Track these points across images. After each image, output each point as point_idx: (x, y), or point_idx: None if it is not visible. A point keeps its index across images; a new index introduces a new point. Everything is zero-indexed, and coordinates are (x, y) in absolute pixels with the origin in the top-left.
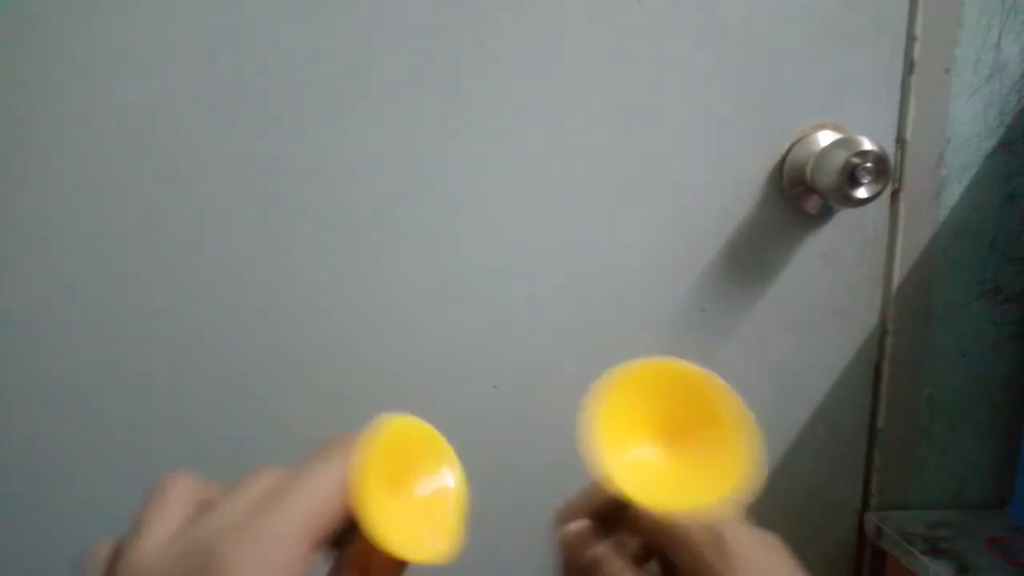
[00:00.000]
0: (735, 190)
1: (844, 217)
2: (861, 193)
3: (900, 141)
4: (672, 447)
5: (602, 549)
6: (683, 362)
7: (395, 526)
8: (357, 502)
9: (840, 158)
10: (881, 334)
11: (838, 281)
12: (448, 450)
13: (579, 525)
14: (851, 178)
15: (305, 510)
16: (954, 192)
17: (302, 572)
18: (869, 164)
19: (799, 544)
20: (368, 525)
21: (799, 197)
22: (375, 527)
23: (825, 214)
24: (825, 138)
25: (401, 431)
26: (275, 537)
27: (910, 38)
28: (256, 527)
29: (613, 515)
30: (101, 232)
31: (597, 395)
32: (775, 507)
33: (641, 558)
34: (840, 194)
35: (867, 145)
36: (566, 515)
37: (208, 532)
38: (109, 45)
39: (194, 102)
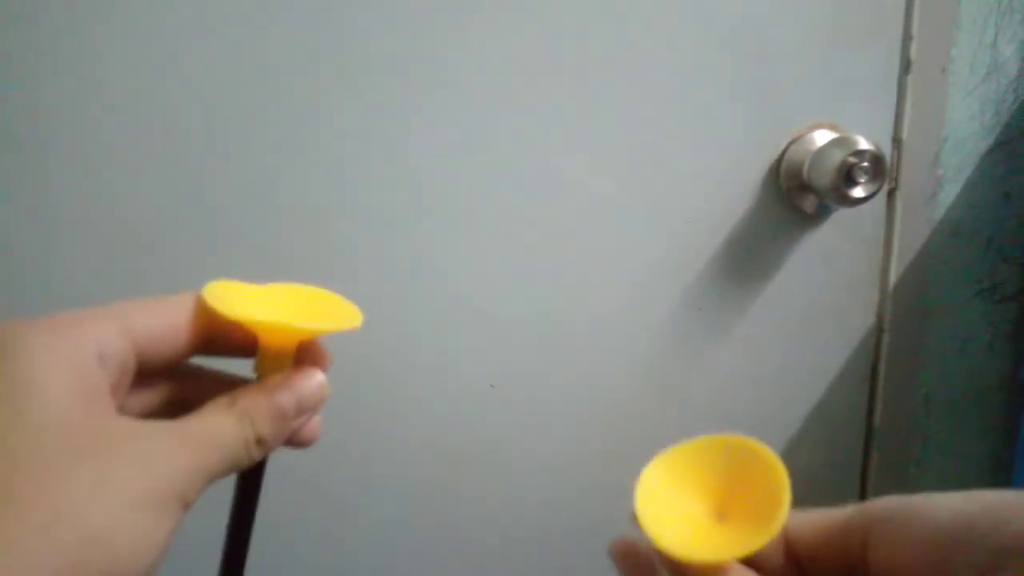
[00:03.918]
0: (731, 190)
1: (841, 216)
2: (858, 192)
3: (896, 140)
4: (719, 512)
5: None
6: (727, 436)
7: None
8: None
9: (836, 157)
10: (878, 333)
11: (835, 280)
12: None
13: None
14: (847, 177)
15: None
16: (950, 191)
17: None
18: (865, 163)
19: None
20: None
21: (796, 196)
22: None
23: (822, 213)
24: (821, 137)
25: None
26: (79, 335)
27: (906, 37)
28: (65, 324)
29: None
30: (113, 232)
31: (648, 469)
32: None
33: None
34: (837, 193)
35: (863, 144)
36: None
37: (15, 322)
38: (114, 44)
39: (195, 105)
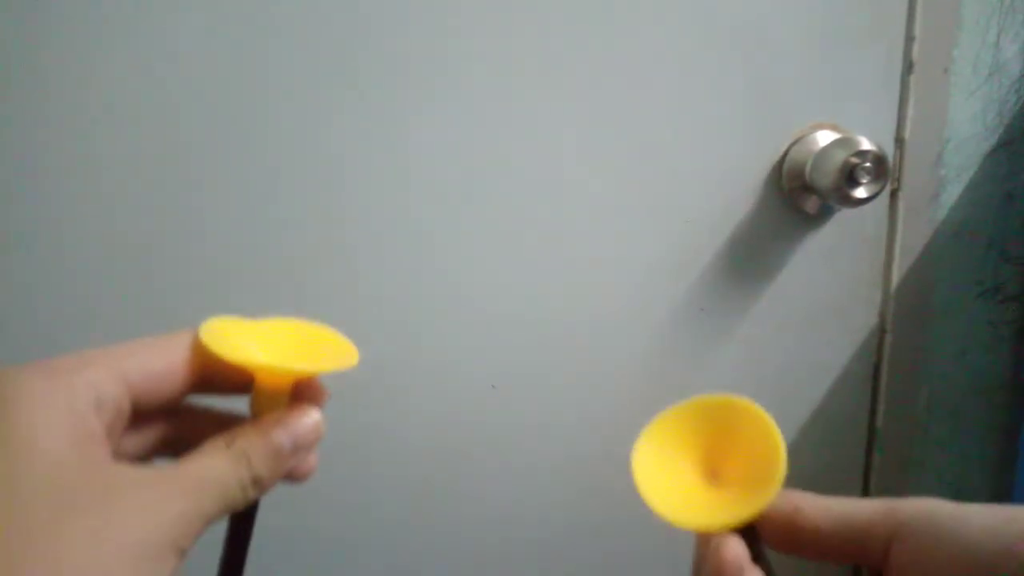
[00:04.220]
0: (734, 190)
1: (843, 217)
2: (860, 193)
3: (899, 141)
4: (712, 473)
5: None
6: (717, 395)
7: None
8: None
9: (839, 158)
10: (880, 334)
11: (837, 281)
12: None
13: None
14: (850, 178)
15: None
16: (953, 192)
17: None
18: (868, 164)
19: None
20: (218, 349)
21: (798, 197)
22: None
23: (824, 214)
24: (824, 138)
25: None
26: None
27: (909, 38)
28: (62, 369)
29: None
30: (112, 239)
31: (642, 437)
32: None
33: None
34: (839, 194)
35: (866, 145)
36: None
37: (13, 368)
38: (115, 47)
39: (194, 105)
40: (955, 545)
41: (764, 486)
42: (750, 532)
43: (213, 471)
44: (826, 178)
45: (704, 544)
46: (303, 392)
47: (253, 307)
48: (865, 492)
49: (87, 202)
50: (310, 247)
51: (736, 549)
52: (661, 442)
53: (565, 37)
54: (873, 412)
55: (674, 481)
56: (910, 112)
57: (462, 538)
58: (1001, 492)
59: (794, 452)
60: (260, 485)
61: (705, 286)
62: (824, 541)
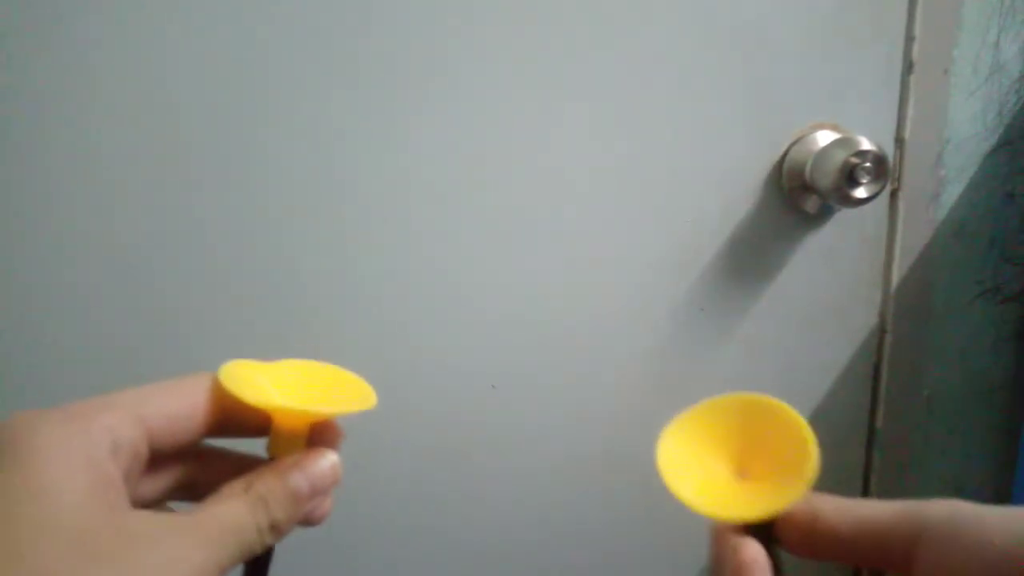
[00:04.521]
0: (733, 190)
1: (843, 217)
2: (860, 193)
3: (899, 141)
4: (740, 471)
5: None
6: (748, 394)
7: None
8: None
9: (839, 158)
10: (880, 333)
11: (837, 280)
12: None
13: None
14: (850, 178)
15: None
16: (953, 192)
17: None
18: (868, 164)
19: None
20: (233, 387)
21: (798, 197)
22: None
23: (824, 214)
24: (824, 138)
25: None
26: (85, 429)
27: (909, 38)
28: (79, 411)
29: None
30: (110, 239)
31: (670, 428)
32: None
33: None
34: (839, 194)
35: (866, 145)
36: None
37: (23, 412)
38: (114, 47)
39: (195, 107)
40: (980, 552)
41: (793, 482)
42: (767, 535)
43: (231, 517)
44: (826, 178)
45: (720, 545)
46: (320, 434)
47: (252, 306)
48: (865, 492)
49: (87, 202)
50: (310, 246)
51: (755, 550)
52: (689, 434)
53: (565, 37)
54: (873, 412)
55: (699, 472)
56: (910, 112)
57: (462, 538)
58: (1001, 492)
59: None
60: (278, 530)
61: (705, 286)
62: (843, 544)
